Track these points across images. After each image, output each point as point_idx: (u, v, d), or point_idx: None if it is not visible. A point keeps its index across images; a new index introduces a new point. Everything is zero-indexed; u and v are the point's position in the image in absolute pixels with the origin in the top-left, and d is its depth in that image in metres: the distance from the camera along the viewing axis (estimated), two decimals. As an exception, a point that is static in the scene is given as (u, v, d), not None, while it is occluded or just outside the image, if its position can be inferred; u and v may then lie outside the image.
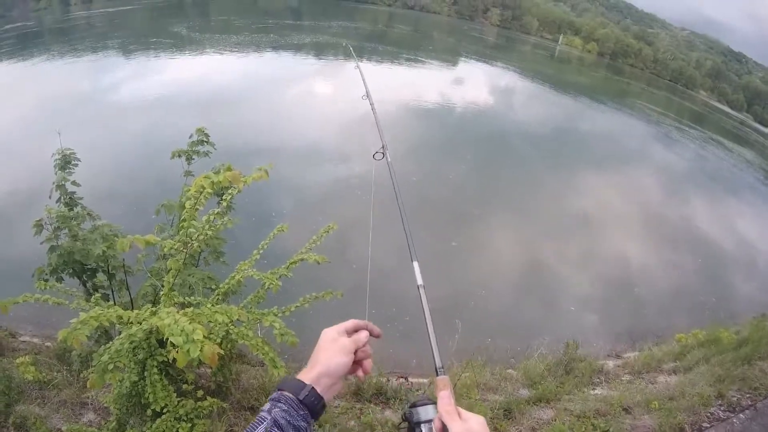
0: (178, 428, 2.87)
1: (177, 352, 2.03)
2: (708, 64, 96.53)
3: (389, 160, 2.31)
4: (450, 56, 44.38)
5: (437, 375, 1.19)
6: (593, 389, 5.64)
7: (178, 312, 2.19)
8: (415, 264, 1.56)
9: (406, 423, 1.18)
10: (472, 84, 30.69)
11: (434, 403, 1.14)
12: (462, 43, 60.52)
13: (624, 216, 13.74)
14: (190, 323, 2.02)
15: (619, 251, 11.56)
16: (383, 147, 2.39)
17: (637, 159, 20.80)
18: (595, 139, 22.24)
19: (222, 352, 2.13)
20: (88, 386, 2.39)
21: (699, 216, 15.21)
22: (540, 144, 19.05)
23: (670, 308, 9.46)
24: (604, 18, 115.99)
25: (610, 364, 6.61)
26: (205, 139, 4.45)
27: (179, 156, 4.37)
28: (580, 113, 28.78)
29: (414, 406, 1.18)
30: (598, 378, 5.97)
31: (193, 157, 4.40)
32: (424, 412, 1.16)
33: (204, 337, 2.00)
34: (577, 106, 31.23)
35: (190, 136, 4.47)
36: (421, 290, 1.41)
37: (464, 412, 1.07)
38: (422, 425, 1.16)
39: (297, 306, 3.07)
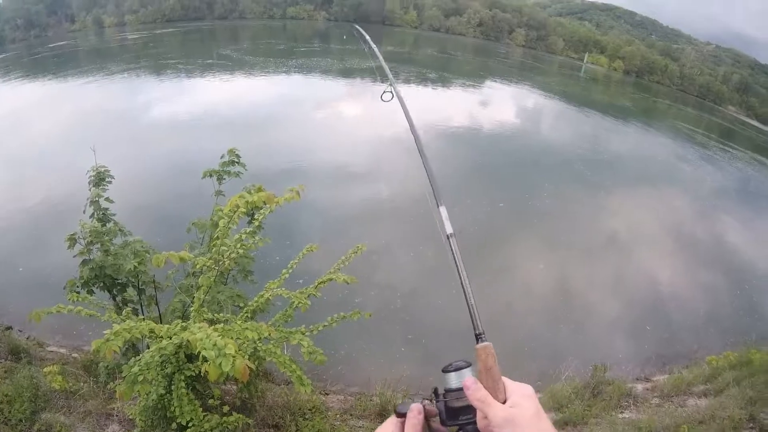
0: (202, 442, 2.85)
1: (208, 365, 2.05)
2: (735, 78, 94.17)
3: (400, 94, 2.02)
4: (477, 78, 44.36)
5: (477, 342, 0.93)
6: (621, 413, 5.49)
7: (208, 327, 2.22)
8: (442, 209, 1.24)
9: (437, 397, 0.93)
10: (500, 106, 30.49)
11: (470, 365, 0.91)
12: (489, 64, 60.60)
13: (655, 237, 13.38)
14: (222, 338, 2.04)
15: (650, 273, 11.24)
16: (390, 83, 2.07)
17: (668, 178, 20.28)
18: (624, 158, 21.77)
19: (252, 367, 2.15)
20: (117, 397, 2.44)
21: (732, 235, 14.74)
22: (571, 165, 18.73)
23: (701, 331, 9.14)
24: (630, 35, 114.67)
25: (639, 387, 6.42)
26: (236, 160, 4.53)
27: (210, 176, 4.45)
28: (608, 133, 28.28)
29: (446, 370, 0.92)
30: (627, 401, 5.80)
31: (224, 177, 4.48)
32: (456, 377, 0.90)
33: (236, 352, 2.01)
34: (605, 125, 30.74)
35: (222, 157, 4.56)
36: (452, 240, 1.16)
37: (509, 384, 0.86)
38: (453, 395, 0.89)
39: (325, 325, 3.07)
